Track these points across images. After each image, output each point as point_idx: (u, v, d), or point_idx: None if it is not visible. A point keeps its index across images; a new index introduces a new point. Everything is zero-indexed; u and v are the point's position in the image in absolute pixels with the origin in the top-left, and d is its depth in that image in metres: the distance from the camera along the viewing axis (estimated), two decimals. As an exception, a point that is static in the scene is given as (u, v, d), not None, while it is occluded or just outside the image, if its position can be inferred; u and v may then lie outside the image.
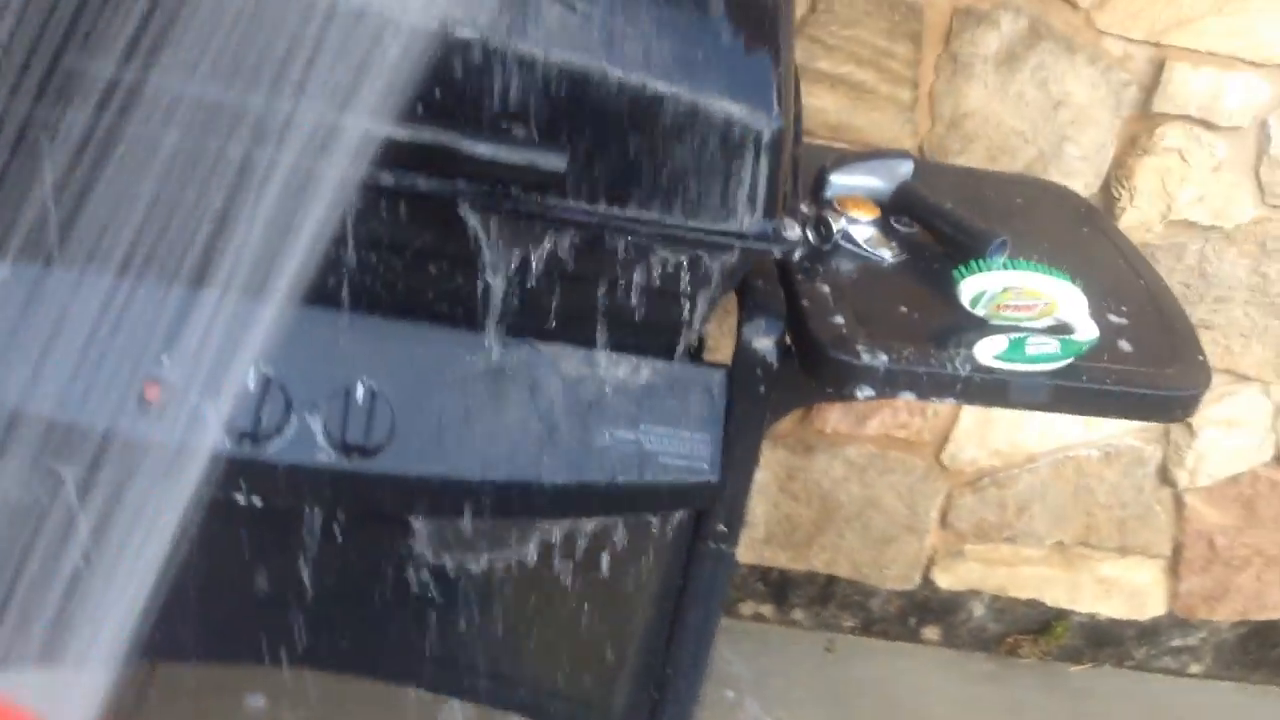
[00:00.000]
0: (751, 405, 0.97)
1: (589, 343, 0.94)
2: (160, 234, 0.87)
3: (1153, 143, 1.56)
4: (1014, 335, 0.97)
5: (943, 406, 1.78)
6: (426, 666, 1.08)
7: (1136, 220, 1.59)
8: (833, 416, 1.77)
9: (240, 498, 0.91)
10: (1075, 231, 1.22)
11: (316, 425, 0.89)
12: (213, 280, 0.89)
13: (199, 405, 0.87)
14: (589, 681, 1.11)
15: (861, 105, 1.51)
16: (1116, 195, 1.58)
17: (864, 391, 0.95)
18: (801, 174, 1.08)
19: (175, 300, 0.88)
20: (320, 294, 0.91)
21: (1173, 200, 1.58)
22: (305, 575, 1.01)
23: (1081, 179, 1.56)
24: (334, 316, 0.90)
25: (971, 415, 1.79)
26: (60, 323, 0.86)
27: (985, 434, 1.80)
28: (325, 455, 0.89)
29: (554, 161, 0.77)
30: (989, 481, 1.85)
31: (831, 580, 1.94)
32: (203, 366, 0.88)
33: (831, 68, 1.48)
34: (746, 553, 1.89)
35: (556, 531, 1.02)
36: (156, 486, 0.93)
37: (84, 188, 0.79)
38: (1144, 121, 1.56)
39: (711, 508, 1.01)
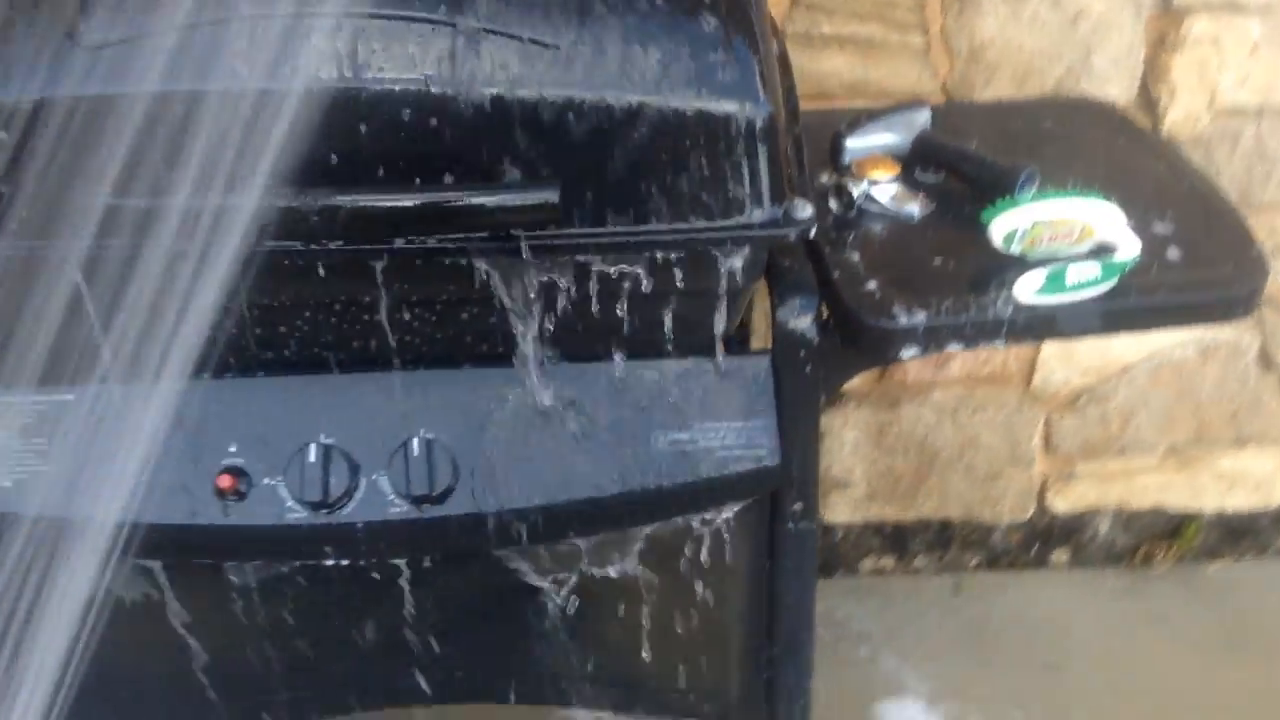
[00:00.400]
0: (800, 385, 0.98)
1: (628, 355, 0.96)
2: (202, 330, 0.91)
3: (1181, 37, 1.50)
4: (1051, 268, 0.95)
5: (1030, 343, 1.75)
6: (543, 684, 1.12)
7: (1182, 116, 1.53)
8: (912, 367, 1.75)
9: (329, 561, 0.96)
10: (1111, 145, 1.19)
11: (384, 483, 0.93)
12: (263, 364, 0.94)
13: (272, 485, 0.92)
14: (702, 673, 1.13)
15: (874, 59, 1.48)
16: (1156, 96, 1.53)
17: (908, 352, 0.95)
18: (809, 147, 1.08)
19: (232, 391, 0.93)
20: (363, 359, 0.95)
21: (1215, 89, 1.52)
22: (409, 620, 1.05)
23: (1116, 86, 1.51)
24: (380, 378, 0.94)
25: (1055, 337, 1.75)
26: (129, 432, 0.92)
27: (1072, 354, 1.76)
28: (398, 509, 0.93)
29: (546, 196, 0.79)
30: (1087, 399, 1.81)
31: (946, 524, 1.93)
32: (269, 447, 0.93)
33: (836, 30, 1.47)
34: (854, 511, 1.89)
35: (636, 538, 1.04)
36: (244, 563, 0.98)
37: (115, 307, 0.84)
38: (1168, 18, 1.50)
39: (783, 489, 1.02)
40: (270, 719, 1.08)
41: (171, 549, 0.94)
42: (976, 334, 0.95)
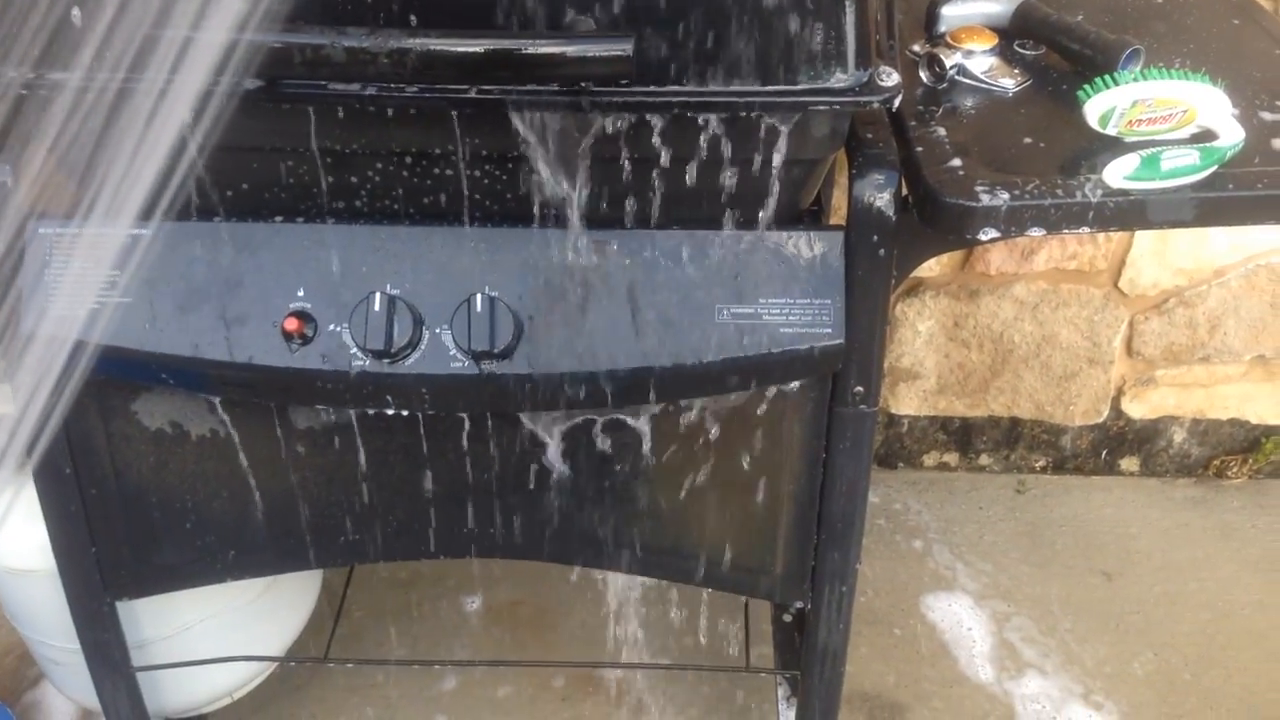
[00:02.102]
0: (872, 263, 0.95)
1: (696, 224, 0.94)
2: (281, 175, 0.91)
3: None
4: (1146, 152, 0.90)
5: (1116, 231, 1.69)
6: (591, 547, 1.13)
7: (1306, -1, 1.44)
8: (995, 258, 1.70)
9: (389, 410, 0.97)
10: (1224, 26, 1.12)
11: (447, 337, 0.93)
12: (334, 212, 0.94)
13: (337, 332, 0.93)
14: (751, 548, 1.14)
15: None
16: (1279, -25, 1.43)
17: (987, 234, 0.91)
18: (905, 14, 1.03)
19: (302, 236, 0.94)
20: (432, 213, 0.94)
21: (1345, -30, 1.42)
22: (463, 474, 1.07)
23: (1239, -38, 1.41)
24: (448, 232, 0.94)
25: (1148, 235, 1.69)
26: (201, 269, 0.93)
27: (1165, 253, 1.70)
28: (459, 364, 0.94)
29: (620, 48, 0.76)
30: (1175, 302, 1.75)
31: (1015, 422, 1.90)
32: (336, 294, 0.93)
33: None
34: (921, 404, 1.87)
35: (694, 410, 1.04)
36: (311, 407, 1.00)
37: (189, 144, 0.84)
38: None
39: (844, 370, 1.00)
40: (316, 561, 1.11)
41: (238, 387, 0.96)
42: (1061, 218, 0.91)
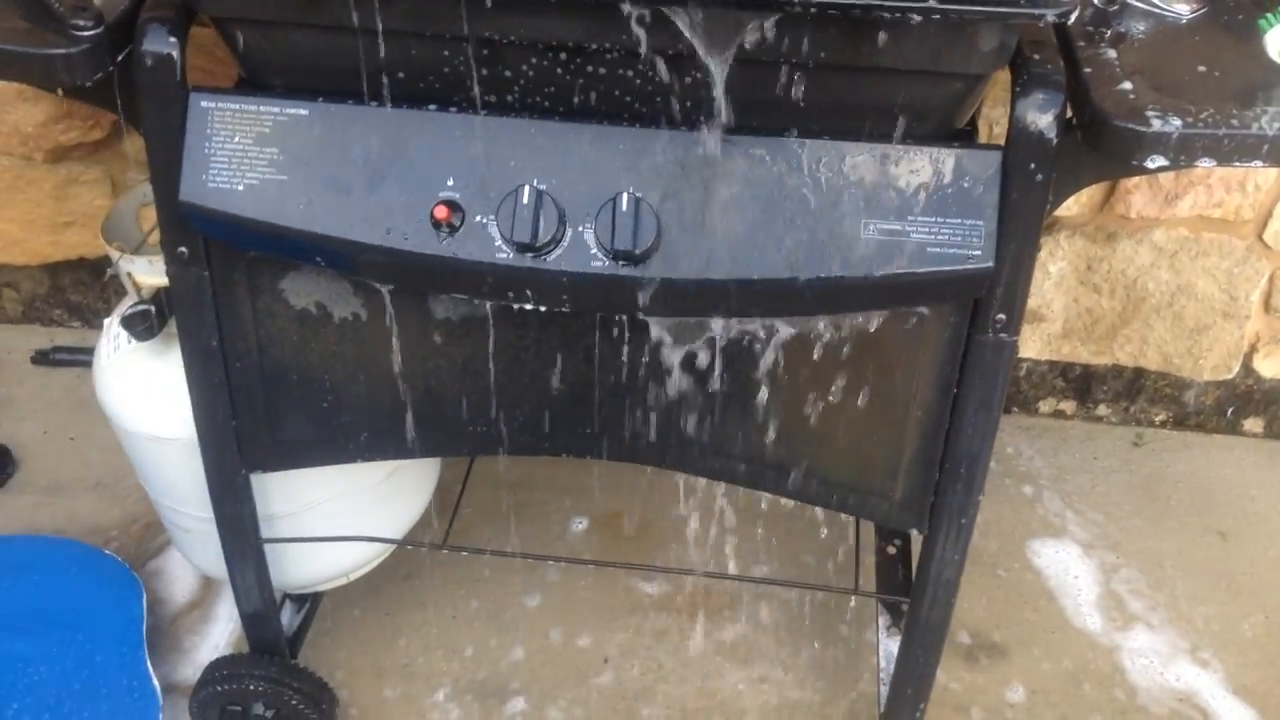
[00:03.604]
0: (1029, 187, 0.93)
1: (851, 135, 0.92)
2: (439, 63, 0.92)
3: None
4: (1334, 86, 0.86)
5: (1265, 180, 1.61)
6: (713, 457, 1.14)
7: None
8: (1137, 200, 1.64)
9: (529, 306, 0.98)
10: None
11: (589, 236, 0.94)
12: (486, 103, 0.94)
13: (484, 223, 0.94)
14: (871, 472, 1.13)
15: None
16: None
17: (1155, 161, 0.88)
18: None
19: (456, 126, 0.94)
20: (581, 109, 0.94)
21: None
22: (594, 375, 1.08)
23: None
24: (598, 130, 0.93)
25: (1300, 187, 1.61)
26: (355, 151, 0.94)
27: (1317, 206, 1.63)
28: (600, 263, 0.94)
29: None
30: (1323, 259, 1.68)
31: (1139, 373, 1.85)
32: (485, 186, 0.94)
33: None
34: (1044, 348, 1.83)
35: (829, 325, 1.03)
36: (453, 296, 1.01)
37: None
38: None
39: (988, 296, 0.98)
40: (443, 448, 1.13)
41: (386, 271, 0.98)
42: (1234, 150, 0.87)
